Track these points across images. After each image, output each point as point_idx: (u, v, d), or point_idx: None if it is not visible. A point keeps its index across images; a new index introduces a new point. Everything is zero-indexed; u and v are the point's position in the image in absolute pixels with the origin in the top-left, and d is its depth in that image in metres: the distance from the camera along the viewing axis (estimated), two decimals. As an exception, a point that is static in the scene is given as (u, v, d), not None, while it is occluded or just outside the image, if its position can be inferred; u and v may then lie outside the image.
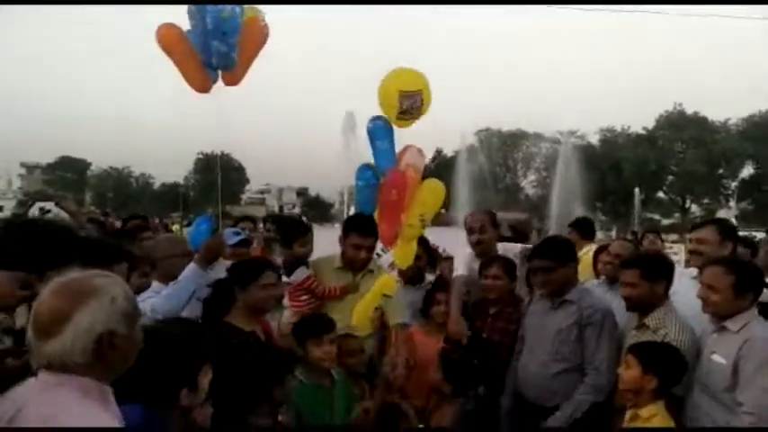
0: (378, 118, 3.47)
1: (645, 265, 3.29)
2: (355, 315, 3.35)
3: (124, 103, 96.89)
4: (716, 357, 2.88)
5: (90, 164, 66.69)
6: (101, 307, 1.53)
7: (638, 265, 3.29)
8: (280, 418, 2.86)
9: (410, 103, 3.28)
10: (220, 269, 3.34)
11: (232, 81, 3.33)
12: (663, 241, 6.66)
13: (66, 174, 64.19)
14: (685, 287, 3.33)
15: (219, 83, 3.30)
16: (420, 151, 3.65)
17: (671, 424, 2.78)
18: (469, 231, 4.28)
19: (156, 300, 3.15)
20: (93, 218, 7.65)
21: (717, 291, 2.91)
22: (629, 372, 2.86)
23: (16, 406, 1.49)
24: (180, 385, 1.95)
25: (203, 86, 3.26)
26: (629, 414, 2.89)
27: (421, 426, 3.20)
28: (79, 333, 1.49)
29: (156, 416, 1.92)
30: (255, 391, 2.62)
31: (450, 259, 4.58)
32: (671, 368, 2.84)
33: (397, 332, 3.68)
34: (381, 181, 3.46)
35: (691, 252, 3.66)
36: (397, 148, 3.58)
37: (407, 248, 3.59)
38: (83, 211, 6.55)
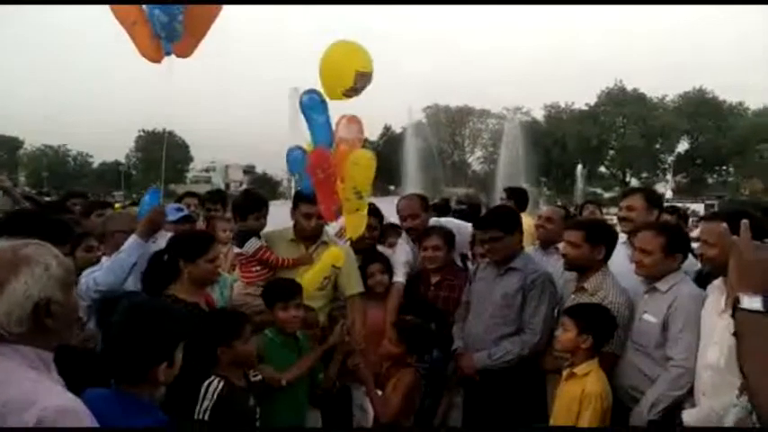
0: (312, 91, 3.44)
1: (589, 228, 3.45)
2: (304, 285, 3.39)
3: (58, 78, 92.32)
4: (647, 317, 3.08)
5: (22, 142, 63.64)
6: (34, 275, 1.51)
7: (582, 228, 3.45)
8: (255, 377, 2.93)
9: (363, 82, 3.30)
10: (162, 242, 3.34)
11: (183, 52, 3.26)
12: (602, 213, 6.91)
13: (-3, 152, 61.18)
14: (615, 252, 3.49)
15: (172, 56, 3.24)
16: (351, 120, 3.60)
17: (603, 380, 2.96)
18: (402, 218, 4.33)
19: (98, 273, 3.15)
20: (30, 196, 7.36)
21: (648, 253, 3.09)
22: (566, 334, 3.02)
23: None
24: (158, 360, 1.94)
25: (154, 56, 3.19)
26: (565, 373, 3.06)
27: (378, 391, 3.29)
28: (14, 302, 1.48)
29: (127, 394, 1.92)
30: (204, 355, 2.65)
31: (395, 227, 4.60)
32: (603, 327, 3.02)
33: (353, 302, 3.76)
34: (307, 162, 3.49)
35: (620, 219, 3.87)
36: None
37: (353, 219, 3.62)
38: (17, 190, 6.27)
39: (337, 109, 3.55)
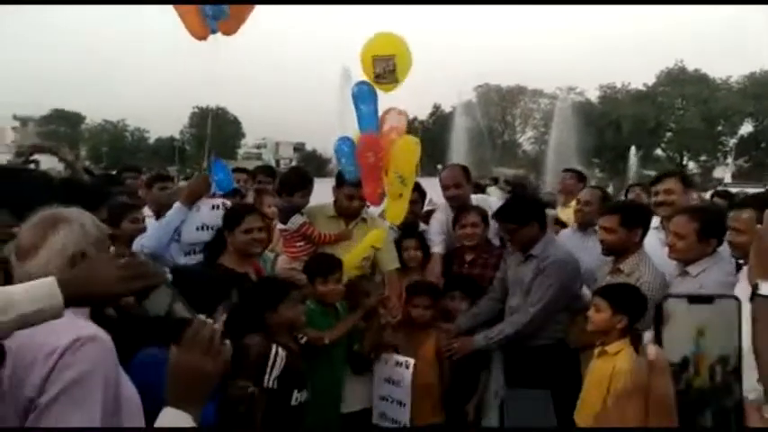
0: (362, 82, 3.64)
1: (624, 211, 3.47)
2: (345, 263, 3.54)
3: (118, 55, 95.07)
4: None
5: (84, 117, 65.95)
6: (71, 231, 1.69)
7: (617, 212, 3.47)
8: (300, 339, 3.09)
9: (383, 66, 3.42)
10: (205, 209, 3.60)
11: (227, 30, 3.43)
12: (649, 195, 6.80)
13: (60, 127, 63.50)
14: (648, 236, 3.52)
15: (218, 34, 3.42)
16: (401, 113, 3.82)
17: (634, 358, 2.99)
18: (444, 187, 4.40)
19: (144, 239, 3.45)
20: (87, 169, 7.70)
21: (682, 237, 3.10)
22: (600, 314, 3.07)
23: None
24: None
25: (201, 34, 3.37)
26: (597, 350, 3.12)
27: (413, 360, 3.45)
28: (53, 253, 1.65)
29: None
30: (249, 319, 2.81)
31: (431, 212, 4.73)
32: (636, 308, 3.05)
33: (390, 277, 3.91)
34: (357, 146, 3.64)
35: (657, 204, 3.84)
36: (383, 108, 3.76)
37: (395, 206, 3.75)
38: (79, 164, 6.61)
39: (391, 96, 3.72)
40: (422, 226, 4.47)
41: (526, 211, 3.74)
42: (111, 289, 1.39)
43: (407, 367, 3.41)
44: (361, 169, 3.70)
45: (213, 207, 3.66)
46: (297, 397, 2.85)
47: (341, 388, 3.48)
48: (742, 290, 2.80)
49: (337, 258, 3.50)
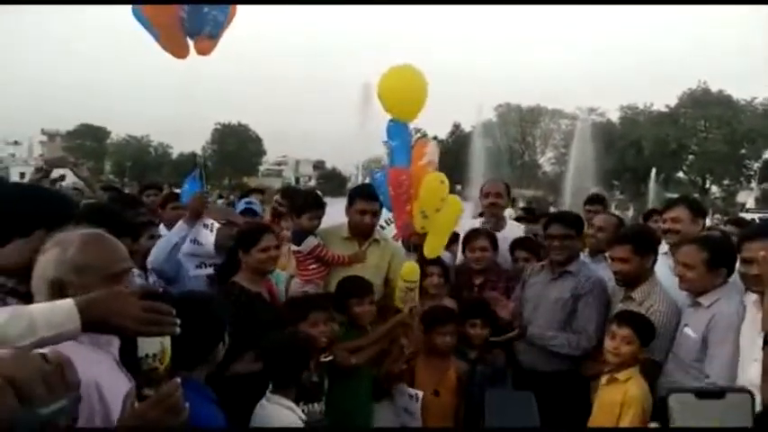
0: (392, 119, 3.70)
1: (635, 240, 3.47)
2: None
3: (140, 70, 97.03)
4: (687, 330, 3.09)
5: (110, 132, 67.18)
6: (53, 257, 1.70)
7: (629, 241, 3.46)
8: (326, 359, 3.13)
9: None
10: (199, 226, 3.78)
11: (204, 50, 3.51)
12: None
13: (86, 142, 64.70)
14: (658, 264, 3.53)
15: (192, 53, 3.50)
16: (438, 144, 4.02)
17: (645, 385, 3.00)
18: (485, 195, 4.69)
19: (150, 256, 3.63)
20: (113, 186, 7.88)
21: (691, 268, 3.09)
22: (629, 347, 3.04)
23: None
24: (215, 343, 2.20)
25: (183, 53, 3.46)
26: (605, 378, 3.12)
27: (421, 392, 3.44)
28: (37, 276, 1.69)
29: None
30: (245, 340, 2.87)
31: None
32: (646, 335, 3.07)
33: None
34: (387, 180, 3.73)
35: (665, 231, 3.83)
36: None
37: (431, 240, 3.76)
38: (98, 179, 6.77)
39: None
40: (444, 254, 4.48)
41: (581, 224, 3.92)
42: (127, 325, 1.44)
43: (417, 400, 3.41)
44: (391, 201, 3.78)
45: (205, 225, 3.80)
46: (304, 409, 2.87)
47: (368, 410, 3.50)
48: (750, 320, 2.81)
49: (369, 281, 3.58)
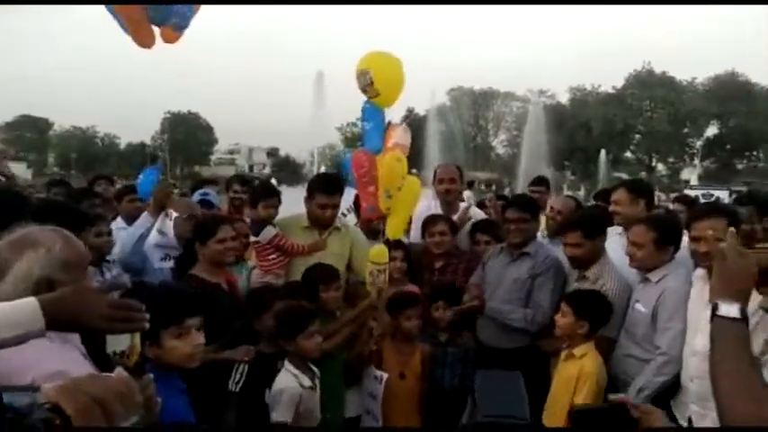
0: (367, 101, 3.71)
1: (585, 225, 3.59)
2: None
3: (87, 61, 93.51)
4: (638, 306, 3.23)
5: (52, 123, 64.68)
6: (37, 256, 1.66)
7: (579, 226, 3.59)
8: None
9: (363, 81, 3.56)
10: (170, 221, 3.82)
11: (171, 39, 3.44)
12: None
13: (26, 133, 62.16)
14: (611, 242, 3.69)
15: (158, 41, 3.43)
16: (407, 129, 3.97)
17: (599, 361, 3.14)
18: (440, 181, 4.67)
19: (115, 247, 3.68)
20: (63, 180, 7.55)
21: (641, 246, 3.24)
22: (564, 319, 3.21)
23: None
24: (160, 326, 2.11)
25: (149, 42, 3.38)
26: (563, 354, 3.25)
27: (386, 374, 3.49)
28: (19, 278, 1.62)
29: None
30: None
31: None
32: (599, 313, 3.20)
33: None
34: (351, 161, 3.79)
35: (611, 213, 3.99)
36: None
37: (392, 222, 3.81)
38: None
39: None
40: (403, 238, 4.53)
41: (536, 207, 4.01)
42: (93, 323, 1.41)
43: (381, 382, 3.46)
44: (356, 184, 3.82)
45: (167, 215, 3.86)
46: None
47: (341, 397, 3.53)
48: (697, 292, 2.96)
49: (335, 268, 3.62)
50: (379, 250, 3.62)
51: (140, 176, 4.30)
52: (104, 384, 1.04)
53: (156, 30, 3.33)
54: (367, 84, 3.56)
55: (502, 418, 1.45)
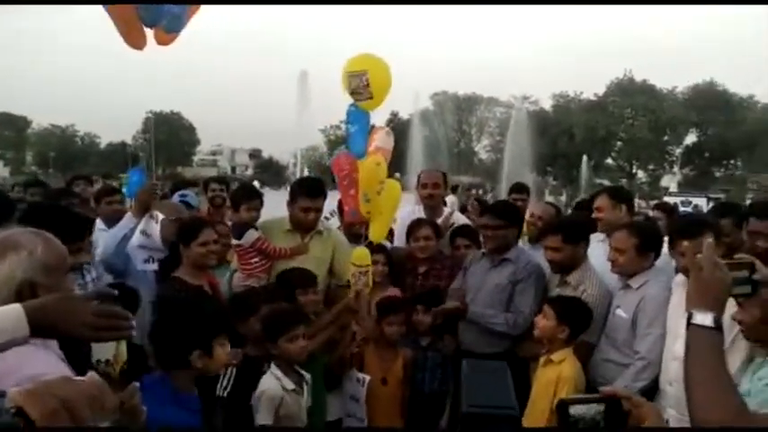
0: (353, 104, 3.69)
1: (565, 229, 3.62)
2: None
3: (68, 59, 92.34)
4: (619, 312, 3.27)
5: (31, 121, 63.63)
6: (19, 259, 1.62)
7: (559, 230, 3.61)
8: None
9: (357, 82, 3.50)
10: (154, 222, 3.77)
11: (164, 41, 3.43)
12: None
13: (4, 131, 61.12)
14: (593, 249, 3.71)
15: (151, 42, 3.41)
16: (389, 133, 3.99)
17: (577, 366, 3.16)
18: (423, 186, 4.68)
19: (98, 249, 3.67)
20: (39, 181, 7.43)
21: (622, 252, 3.28)
22: (546, 322, 3.23)
23: None
24: (192, 347, 2.22)
25: (140, 43, 3.36)
26: (542, 359, 3.26)
27: (368, 377, 3.49)
28: (1, 282, 1.59)
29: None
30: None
31: None
32: (580, 319, 3.22)
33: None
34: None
35: (594, 219, 4.05)
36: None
37: (374, 226, 3.81)
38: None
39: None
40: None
41: (514, 214, 3.99)
42: (77, 331, 1.39)
43: (363, 384, 3.45)
44: (338, 187, 3.83)
45: (151, 217, 3.80)
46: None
47: (322, 401, 3.49)
48: (677, 298, 2.99)
49: (311, 272, 3.60)
50: (361, 252, 3.61)
51: (129, 178, 4.27)
52: (75, 388, 1.03)
53: (150, 32, 3.31)
54: (362, 85, 3.53)
55: (487, 409, 1.44)
